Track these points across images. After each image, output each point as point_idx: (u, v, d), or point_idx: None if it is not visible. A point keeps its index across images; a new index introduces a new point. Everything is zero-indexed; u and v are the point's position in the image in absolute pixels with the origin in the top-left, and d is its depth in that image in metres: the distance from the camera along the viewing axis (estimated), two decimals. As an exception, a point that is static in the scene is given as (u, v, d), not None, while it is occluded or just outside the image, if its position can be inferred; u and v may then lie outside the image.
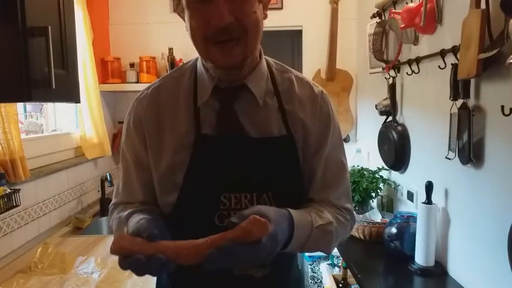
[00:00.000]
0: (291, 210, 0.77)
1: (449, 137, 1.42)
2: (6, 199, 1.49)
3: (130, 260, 0.63)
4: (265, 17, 0.83)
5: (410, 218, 1.65)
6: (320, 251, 0.85)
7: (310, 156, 0.89)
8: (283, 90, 0.89)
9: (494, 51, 1.11)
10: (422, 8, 1.51)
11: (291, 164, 0.86)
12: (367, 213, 2.00)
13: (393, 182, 2.11)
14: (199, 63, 0.88)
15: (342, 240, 0.92)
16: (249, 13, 0.76)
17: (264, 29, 0.82)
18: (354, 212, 0.97)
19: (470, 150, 1.30)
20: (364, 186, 2.05)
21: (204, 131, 0.84)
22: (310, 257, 2.76)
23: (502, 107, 1.09)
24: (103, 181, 2.34)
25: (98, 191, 2.43)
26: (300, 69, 2.85)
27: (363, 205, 2.13)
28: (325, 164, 0.90)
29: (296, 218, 0.76)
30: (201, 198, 0.80)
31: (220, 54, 0.77)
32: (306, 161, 0.89)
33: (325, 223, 0.83)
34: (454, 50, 1.37)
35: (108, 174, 2.34)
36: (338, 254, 2.53)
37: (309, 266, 2.72)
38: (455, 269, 1.49)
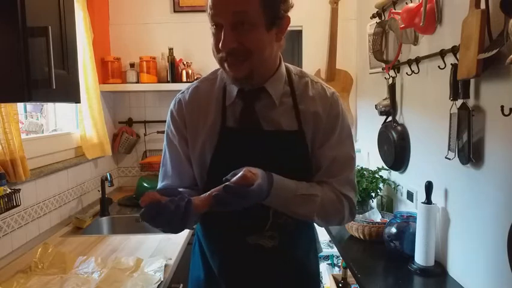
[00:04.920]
0: (276, 176, 0.93)
1: (449, 137, 1.42)
2: (6, 199, 1.49)
3: (156, 204, 0.79)
4: (279, 39, 0.98)
5: (410, 218, 1.65)
6: (304, 217, 1.02)
7: (316, 149, 1.04)
8: (299, 93, 1.05)
9: (494, 51, 1.10)
10: (422, 8, 1.51)
11: (299, 154, 1.02)
12: (367, 213, 2.01)
13: (393, 182, 2.11)
14: None
15: (334, 221, 1.06)
16: (253, 40, 0.91)
17: None
18: (355, 204, 1.08)
19: (470, 150, 1.30)
20: (364, 186, 2.06)
21: (229, 124, 1.02)
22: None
23: (502, 107, 1.09)
24: (103, 181, 2.34)
25: (98, 191, 2.43)
26: (300, 69, 2.85)
27: (363, 205, 2.14)
28: (332, 157, 1.03)
29: (277, 181, 0.92)
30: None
31: (229, 69, 0.96)
32: (314, 152, 1.04)
33: (309, 194, 0.98)
34: (454, 50, 1.37)
35: (108, 174, 2.34)
36: (338, 253, 2.53)
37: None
38: (455, 268, 1.49)
